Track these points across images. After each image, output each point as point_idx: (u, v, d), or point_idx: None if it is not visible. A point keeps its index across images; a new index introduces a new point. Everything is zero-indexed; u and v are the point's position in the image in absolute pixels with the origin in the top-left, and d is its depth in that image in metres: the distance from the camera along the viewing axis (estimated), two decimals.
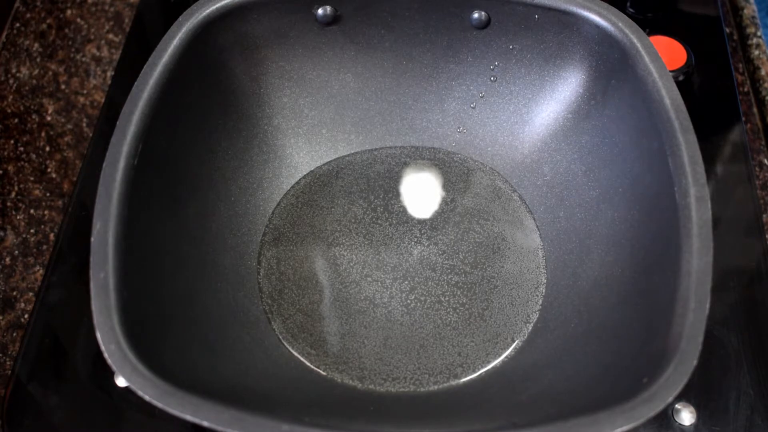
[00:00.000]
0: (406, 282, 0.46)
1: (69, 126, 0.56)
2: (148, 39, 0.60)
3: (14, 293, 0.48)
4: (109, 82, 0.58)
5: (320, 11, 0.47)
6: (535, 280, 0.46)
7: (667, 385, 0.30)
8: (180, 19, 0.43)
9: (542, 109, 0.49)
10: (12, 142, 0.53)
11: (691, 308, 0.33)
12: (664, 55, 0.54)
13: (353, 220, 0.49)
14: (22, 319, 0.47)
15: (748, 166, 0.51)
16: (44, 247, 0.50)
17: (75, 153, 0.55)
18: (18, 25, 0.57)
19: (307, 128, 0.51)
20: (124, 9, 0.64)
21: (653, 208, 0.39)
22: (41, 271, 0.49)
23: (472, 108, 0.51)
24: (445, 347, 0.44)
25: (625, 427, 0.29)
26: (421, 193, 0.50)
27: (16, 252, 0.50)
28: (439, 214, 0.49)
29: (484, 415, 0.38)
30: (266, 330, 0.44)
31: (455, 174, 0.51)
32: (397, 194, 0.50)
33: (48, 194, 0.53)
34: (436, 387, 0.42)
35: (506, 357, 0.43)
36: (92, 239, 0.34)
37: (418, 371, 0.43)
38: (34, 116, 0.56)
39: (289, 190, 0.50)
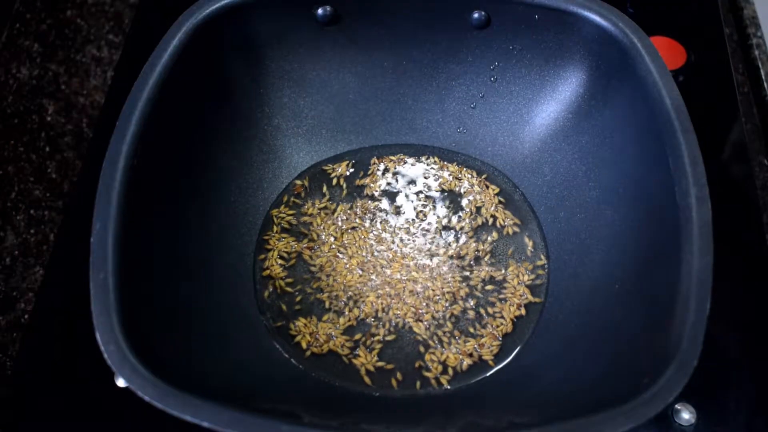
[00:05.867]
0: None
1: (69, 126, 0.56)
2: (148, 39, 0.60)
3: (14, 293, 0.48)
4: (109, 82, 0.58)
5: (320, 11, 0.47)
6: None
7: (667, 385, 0.30)
8: (180, 19, 0.43)
9: (542, 109, 0.49)
10: (12, 142, 0.53)
11: (692, 308, 0.33)
12: (664, 55, 0.54)
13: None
14: (22, 319, 0.47)
15: (748, 166, 0.51)
16: (44, 247, 0.50)
17: (75, 153, 0.55)
18: (18, 25, 0.57)
19: (307, 128, 0.51)
20: (124, 9, 0.64)
21: (653, 208, 0.39)
22: (41, 271, 0.49)
23: (473, 108, 0.51)
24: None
25: (625, 427, 0.29)
26: (421, 192, 0.50)
27: (16, 252, 0.49)
28: (440, 214, 0.49)
29: (484, 415, 0.38)
30: (266, 330, 0.44)
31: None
32: (397, 194, 0.50)
33: (48, 194, 0.53)
34: (436, 387, 0.42)
35: (506, 357, 0.43)
36: (92, 239, 0.34)
37: (418, 371, 0.43)
38: (34, 116, 0.56)
39: (289, 189, 0.50)
